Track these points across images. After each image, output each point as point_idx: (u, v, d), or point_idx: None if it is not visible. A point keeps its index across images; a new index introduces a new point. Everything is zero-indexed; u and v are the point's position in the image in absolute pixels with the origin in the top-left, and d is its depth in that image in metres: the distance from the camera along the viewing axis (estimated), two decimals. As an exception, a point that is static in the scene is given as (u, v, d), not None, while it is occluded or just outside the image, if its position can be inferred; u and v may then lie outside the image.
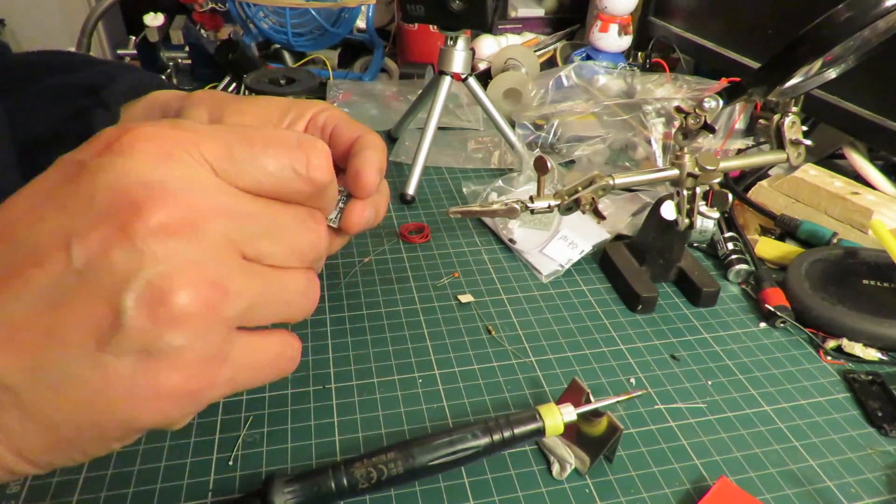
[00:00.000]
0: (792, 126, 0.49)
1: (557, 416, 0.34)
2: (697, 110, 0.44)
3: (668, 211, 0.46)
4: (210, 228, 0.20)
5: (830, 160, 0.67)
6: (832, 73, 0.47)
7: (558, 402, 0.37)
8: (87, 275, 0.19)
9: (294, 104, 0.40)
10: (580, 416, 0.34)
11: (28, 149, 0.45)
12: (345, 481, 0.31)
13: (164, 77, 0.53)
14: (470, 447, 0.33)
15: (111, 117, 0.44)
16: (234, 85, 0.81)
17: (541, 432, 0.34)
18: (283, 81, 0.60)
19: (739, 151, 0.66)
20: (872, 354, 0.44)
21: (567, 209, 0.44)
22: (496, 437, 0.33)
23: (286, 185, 0.23)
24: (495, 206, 0.45)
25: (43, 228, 0.19)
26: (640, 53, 0.89)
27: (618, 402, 0.35)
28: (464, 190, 0.63)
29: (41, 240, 0.19)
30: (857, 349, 0.44)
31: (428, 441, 0.33)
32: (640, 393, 0.38)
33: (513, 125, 0.70)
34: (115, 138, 0.20)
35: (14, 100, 0.44)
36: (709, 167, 0.43)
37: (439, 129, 0.65)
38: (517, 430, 0.34)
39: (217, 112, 0.39)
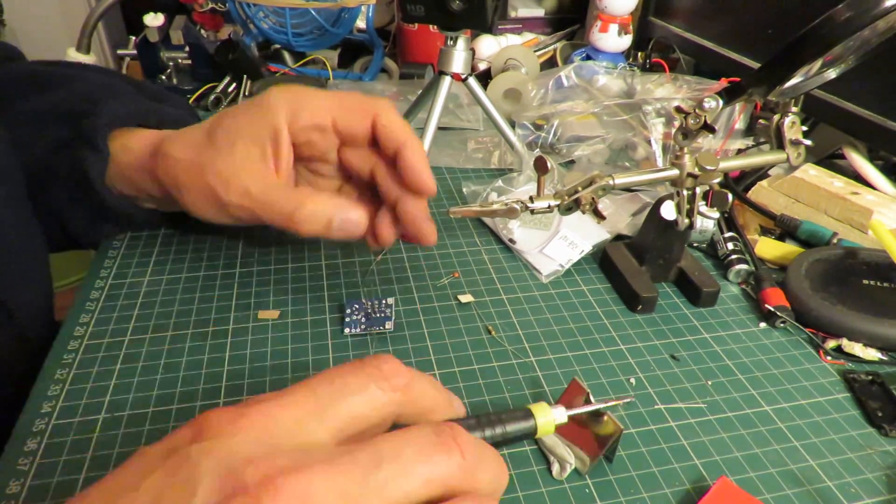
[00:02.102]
0: (792, 126, 0.49)
1: (549, 415, 0.34)
2: (697, 110, 0.44)
3: (668, 211, 0.46)
4: (328, 495, 0.19)
5: (830, 160, 0.67)
6: (832, 73, 0.47)
7: (557, 403, 0.37)
8: None
9: (260, 123, 0.40)
10: (571, 417, 0.34)
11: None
12: None
13: (160, 79, 0.53)
14: None
15: (101, 158, 0.44)
16: (234, 85, 0.81)
17: (532, 431, 0.34)
18: None
19: (739, 151, 0.66)
20: (872, 354, 0.44)
21: (567, 209, 0.44)
22: (487, 432, 0.33)
23: (379, 409, 0.24)
24: (495, 206, 0.45)
25: None
26: (640, 53, 0.89)
27: (606, 406, 0.35)
28: (464, 190, 0.63)
29: None
30: (857, 349, 0.44)
31: None
32: (628, 400, 0.37)
33: (513, 125, 0.70)
34: (204, 426, 0.20)
35: None
36: (709, 167, 0.43)
37: (439, 129, 0.65)
38: (509, 427, 0.33)
39: (207, 189, 0.40)
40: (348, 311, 0.46)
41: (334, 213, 0.39)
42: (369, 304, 0.46)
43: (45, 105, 0.46)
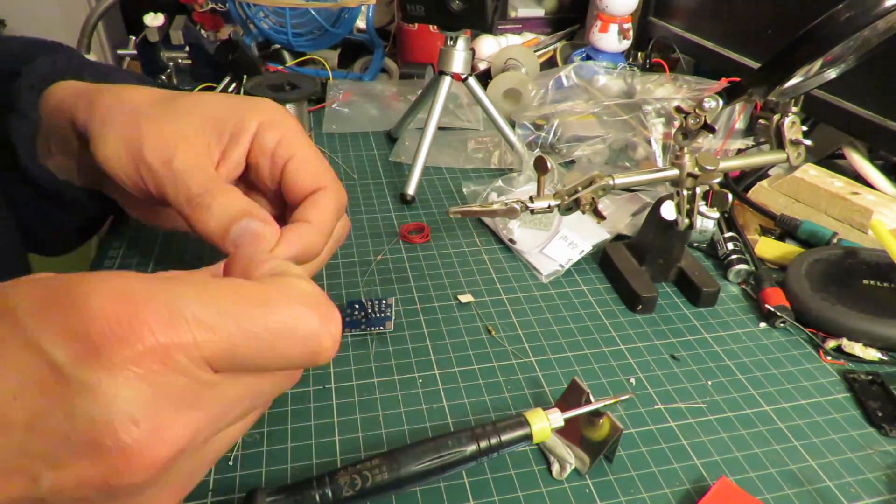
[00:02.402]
0: (792, 126, 0.49)
1: (544, 421, 0.34)
2: (697, 110, 0.44)
3: (668, 211, 0.46)
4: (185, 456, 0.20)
5: (830, 160, 0.67)
6: (832, 73, 0.47)
7: (557, 403, 0.37)
8: (50, 502, 0.18)
9: (231, 114, 0.35)
10: (567, 420, 0.34)
11: None
12: (329, 490, 0.31)
13: (82, 55, 0.45)
14: (455, 454, 0.32)
15: (28, 125, 0.39)
16: (234, 85, 0.81)
17: (528, 438, 0.34)
18: (287, 87, 0.60)
19: (739, 151, 0.66)
20: (872, 354, 0.44)
21: (567, 209, 0.44)
22: (483, 443, 0.33)
23: (288, 370, 0.24)
24: (495, 206, 0.45)
25: (8, 443, 0.17)
26: (640, 53, 0.89)
27: (604, 406, 0.35)
28: (464, 190, 0.63)
29: (3, 454, 0.18)
30: (857, 349, 0.44)
31: (413, 448, 0.32)
32: (625, 397, 0.36)
33: (513, 125, 0.70)
34: (97, 338, 0.18)
35: None
36: (709, 167, 0.43)
37: (439, 129, 0.65)
38: (504, 437, 0.33)
39: (133, 136, 0.34)
40: (348, 310, 0.46)
41: (242, 215, 0.32)
42: (369, 303, 0.46)
43: None
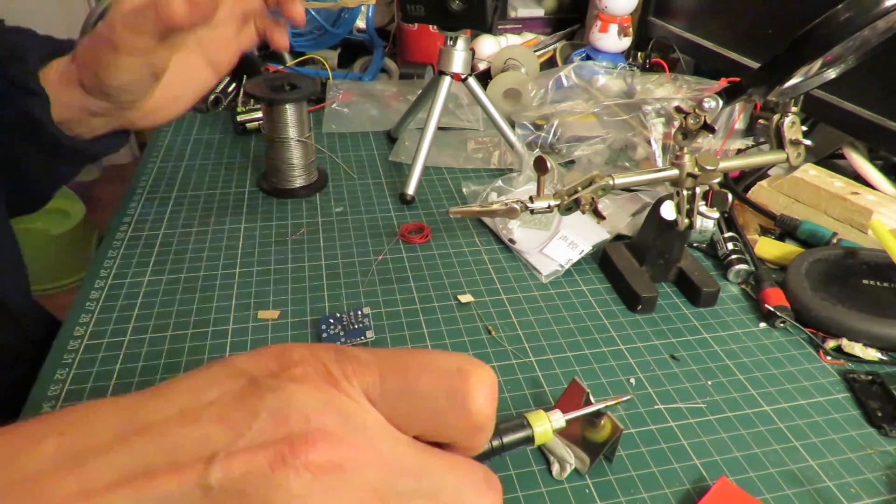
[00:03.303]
0: (792, 126, 0.49)
1: (546, 423, 0.34)
2: (697, 110, 0.44)
3: (668, 211, 0.46)
4: (358, 477, 0.19)
5: (830, 160, 0.67)
6: (832, 73, 0.47)
7: (557, 403, 0.37)
8: (215, 494, 0.18)
9: None
10: (569, 420, 0.34)
11: None
12: None
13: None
14: None
15: (42, 100, 0.44)
16: (233, 85, 0.81)
17: (530, 440, 0.34)
18: (287, 87, 0.60)
19: (739, 151, 0.66)
20: (872, 354, 0.44)
21: (567, 209, 0.44)
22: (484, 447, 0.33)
23: (441, 417, 0.22)
24: (495, 206, 0.45)
25: (193, 434, 0.19)
26: (639, 53, 0.89)
27: (605, 406, 0.35)
28: (464, 190, 0.63)
29: (187, 445, 0.19)
30: (857, 349, 0.44)
31: None
32: (626, 398, 0.36)
33: (513, 125, 0.70)
34: (289, 363, 0.21)
35: None
36: (708, 167, 0.43)
37: (439, 129, 0.65)
38: (506, 440, 0.33)
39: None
40: (323, 326, 0.45)
41: None
42: (345, 316, 0.46)
43: None
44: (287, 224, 0.57)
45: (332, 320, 0.45)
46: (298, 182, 0.62)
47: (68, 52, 0.46)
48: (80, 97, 0.45)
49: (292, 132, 0.59)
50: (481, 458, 0.33)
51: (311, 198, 0.62)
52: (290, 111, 0.58)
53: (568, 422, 0.34)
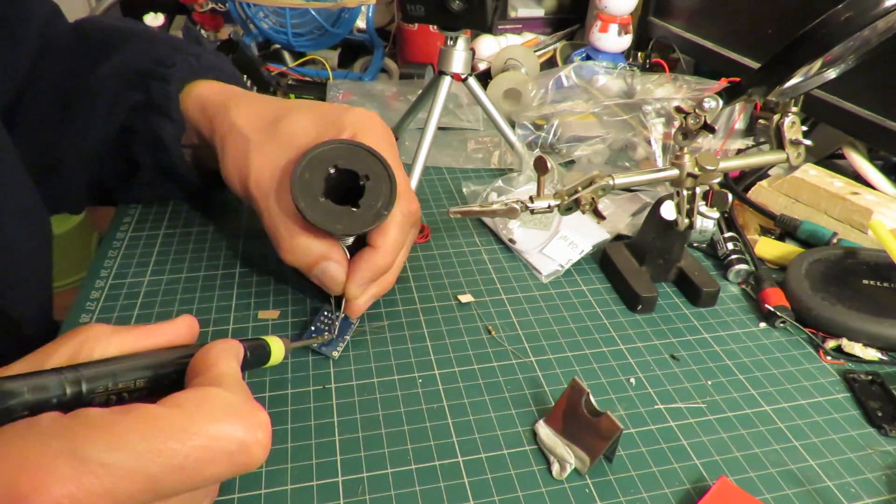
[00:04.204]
0: (792, 126, 0.49)
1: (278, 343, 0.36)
2: (697, 110, 0.44)
3: (668, 211, 0.46)
4: None
5: (830, 160, 0.68)
6: (832, 73, 0.47)
7: (558, 403, 0.37)
8: None
9: (327, 128, 0.42)
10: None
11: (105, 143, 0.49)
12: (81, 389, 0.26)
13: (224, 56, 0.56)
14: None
15: (175, 126, 0.47)
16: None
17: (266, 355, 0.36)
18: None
19: (739, 151, 0.66)
20: (872, 354, 0.44)
21: (567, 209, 0.44)
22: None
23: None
24: (495, 206, 0.45)
25: None
26: (640, 53, 0.89)
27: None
28: (464, 190, 0.63)
29: None
30: (857, 349, 0.44)
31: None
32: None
33: (513, 125, 0.70)
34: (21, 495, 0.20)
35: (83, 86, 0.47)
36: (709, 167, 0.43)
37: (439, 129, 0.65)
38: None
39: (242, 167, 0.42)
40: (314, 318, 0.45)
41: (319, 260, 0.41)
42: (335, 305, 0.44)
43: (114, 69, 0.48)
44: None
45: (326, 314, 0.45)
46: None
47: (209, 74, 0.49)
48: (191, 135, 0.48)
49: None
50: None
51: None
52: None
53: (566, 421, 0.34)
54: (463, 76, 0.64)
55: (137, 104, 0.47)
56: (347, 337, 0.44)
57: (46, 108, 0.47)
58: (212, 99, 0.46)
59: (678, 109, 0.45)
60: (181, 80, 0.47)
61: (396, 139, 0.73)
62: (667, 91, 0.69)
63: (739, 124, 0.70)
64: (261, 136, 0.43)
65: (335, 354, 0.42)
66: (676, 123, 0.45)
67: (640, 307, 0.48)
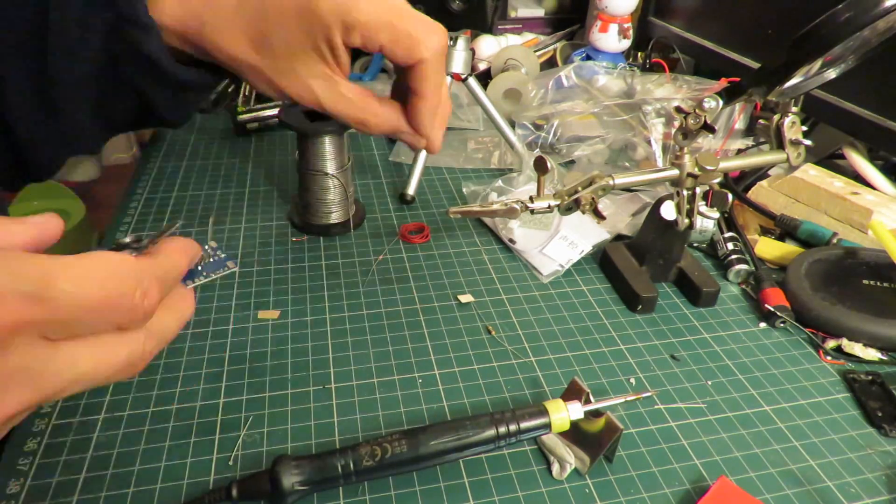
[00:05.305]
0: (792, 126, 0.49)
1: (564, 412, 0.34)
2: (697, 110, 0.44)
3: (668, 211, 0.46)
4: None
5: (830, 160, 0.67)
6: (832, 73, 0.47)
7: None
8: None
9: None
10: (588, 413, 0.35)
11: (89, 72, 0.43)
12: (350, 460, 0.32)
13: None
14: (474, 434, 0.33)
15: (152, 36, 0.40)
16: (233, 86, 0.81)
17: (546, 427, 0.34)
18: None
19: (739, 151, 0.66)
20: (872, 354, 0.44)
21: (567, 209, 0.44)
22: (501, 429, 0.33)
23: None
24: (495, 206, 0.45)
25: None
26: (640, 53, 0.89)
27: (626, 401, 0.36)
28: (464, 190, 0.63)
29: None
30: (857, 349, 0.44)
31: (433, 427, 0.34)
32: (648, 394, 0.38)
33: (513, 125, 0.70)
34: None
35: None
36: (709, 167, 0.43)
37: (439, 129, 0.65)
38: (523, 424, 0.34)
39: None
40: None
41: (396, 130, 0.40)
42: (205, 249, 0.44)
43: None
44: (287, 224, 0.57)
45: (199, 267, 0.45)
46: (334, 218, 0.56)
47: None
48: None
49: (330, 166, 0.53)
50: (500, 439, 0.33)
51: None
52: (328, 142, 0.53)
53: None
54: (463, 76, 0.64)
55: (110, 23, 0.41)
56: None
57: (20, 37, 0.44)
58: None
59: (678, 109, 0.45)
60: None
61: (396, 139, 0.73)
62: (667, 91, 0.69)
63: (739, 124, 0.70)
64: (264, 61, 0.40)
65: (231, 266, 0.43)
66: (676, 123, 0.45)
67: (640, 307, 0.48)
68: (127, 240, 0.29)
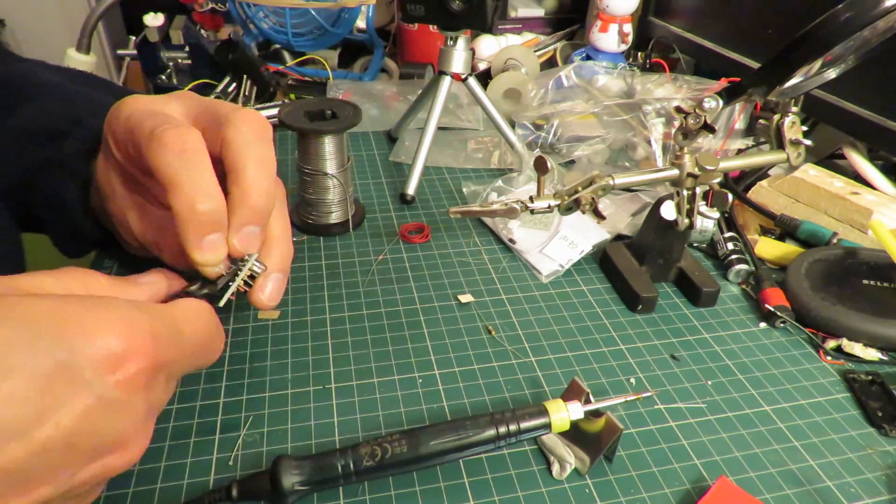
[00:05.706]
0: (792, 126, 0.49)
1: (564, 412, 0.34)
2: (697, 110, 0.44)
3: (668, 211, 0.46)
4: None
5: (830, 160, 0.67)
6: (832, 73, 0.47)
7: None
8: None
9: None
10: (588, 412, 0.35)
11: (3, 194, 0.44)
12: (350, 461, 0.32)
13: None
14: (474, 434, 0.33)
15: (82, 185, 0.43)
16: (233, 85, 0.81)
17: (546, 427, 0.34)
18: (328, 114, 0.53)
19: (739, 151, 0.66)
20: (872, 354, 0.44)
21: (567, 209, 0.44)
22: (501, 429, 0.33)
23: None
24: (495, 206, 0.45)
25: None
26: (640, 53, 0.89)
27: (626, 401, 0.36)
28: (464, 190, 0.63)
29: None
30: (857, 349, 0.44)
31: (434, 427, 0.34)
32: (648, 394, 0.38)
33: (513, 125, 0.70)
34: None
35: None
36: (709, 167, 0.43)
37: (439, 129, 0.65)
38: (523, 424, 0.34)
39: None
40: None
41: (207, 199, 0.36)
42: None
43: (24, 122, 0.43)
44: (287, 224, 0.57)
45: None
46: (334, 217, 0.56)
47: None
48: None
49: (329, 166, 0.53)
50: (500, 439, 0.33)
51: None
52: (329, 142, 0.52)
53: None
54: (463, 76, 0.64)
55: (43, 161, 0.43)
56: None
57: None
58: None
59: (678, 109, 0.45)
60: (94, 140, 0.42)
61: (396, 139, 0.73)
62: (667, 91, 0.69)
63: (739, 124, 0.70)
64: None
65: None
66: (676, 123, 0.45)
67: (640, 307, 0.48)
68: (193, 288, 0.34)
